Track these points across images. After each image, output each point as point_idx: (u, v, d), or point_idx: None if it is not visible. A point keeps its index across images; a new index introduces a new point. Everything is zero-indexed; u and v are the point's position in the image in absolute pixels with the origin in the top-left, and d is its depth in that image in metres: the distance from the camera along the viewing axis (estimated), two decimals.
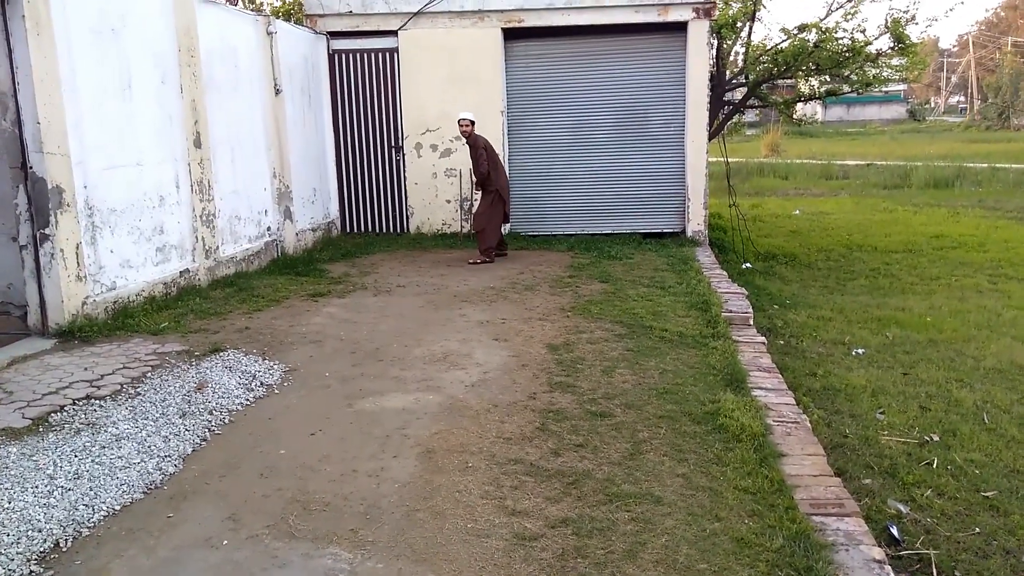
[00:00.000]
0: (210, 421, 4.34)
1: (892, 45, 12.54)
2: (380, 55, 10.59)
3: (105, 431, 4.10)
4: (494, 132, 10.25)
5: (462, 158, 10.31)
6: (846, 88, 13.53)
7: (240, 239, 8.25)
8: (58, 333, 5.77)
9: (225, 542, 3.12)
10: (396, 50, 10.49)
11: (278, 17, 11.29)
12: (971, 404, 5.75)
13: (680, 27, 10.08)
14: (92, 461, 3.77)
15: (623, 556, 2.96)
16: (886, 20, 12.42)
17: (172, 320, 6.26)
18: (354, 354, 5.56)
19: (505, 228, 9.88)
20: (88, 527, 3.25)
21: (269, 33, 8.80)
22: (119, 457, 3.83)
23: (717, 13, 10.64)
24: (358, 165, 10.88)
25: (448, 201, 10.77)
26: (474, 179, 9.31)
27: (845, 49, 12.37)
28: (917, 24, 12.43)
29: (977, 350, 7.09)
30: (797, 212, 16.89)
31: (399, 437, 4.12)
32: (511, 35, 10.40)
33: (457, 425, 4.27)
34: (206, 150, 7.53)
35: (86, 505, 3.40)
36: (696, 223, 10.43)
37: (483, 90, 10.38)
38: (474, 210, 9.67)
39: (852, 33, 12.48)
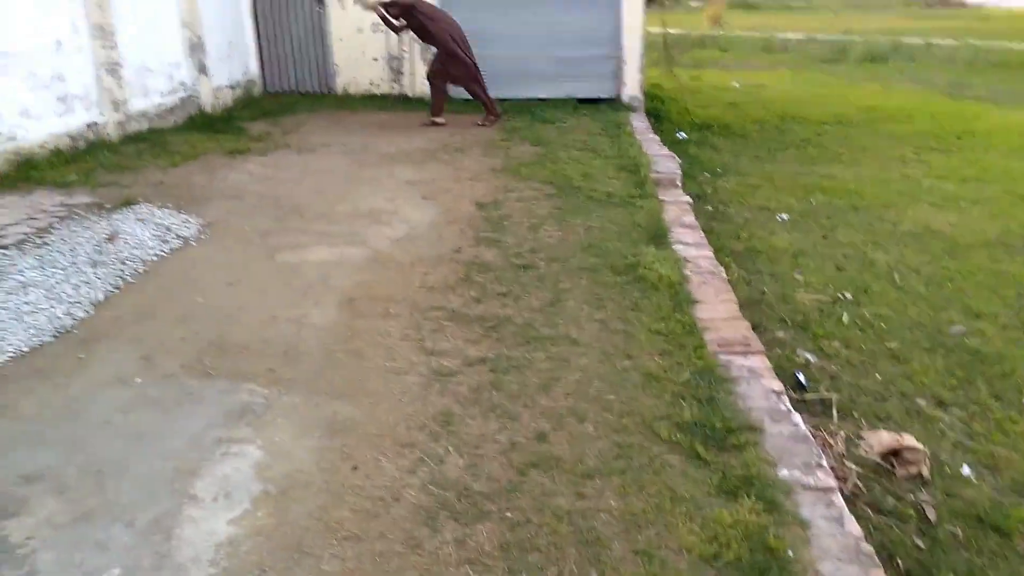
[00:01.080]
0: (122, 270, 4.20)
1: None
2: None
3: (10, 279, 3.93)
4: None
5: None
6: None
7: (151, 93, 7.75)
8: None
9: (138, 380, 3.09)
10: None
11: None
12: (884, 265, 5.98)
13: None
14: None
15: (537, 389, 3.05)
16: None
17: (81, 174, 5.93)
18: (276, 210, 5.40)
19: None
20: None
21: None
22: (25, 303, 3.69)
23: None
24: (277, 18, 10.20)
25: (375, 59, 10.26)
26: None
27: None
28: None
29: (895, 215, 7.32)
30: (735, 84, 16.79)
31: (321, 287, 4.07)
32: None
33: (381, 277, 4.24)
34: None
35: None
36: (632, 88, 10.26)
37: None
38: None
39: None
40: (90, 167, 6.15)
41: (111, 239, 4.53)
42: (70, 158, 6.29)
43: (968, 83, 16.16)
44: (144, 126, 7.52)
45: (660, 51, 12.73)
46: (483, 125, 8.73)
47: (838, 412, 3.83)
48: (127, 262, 4.29)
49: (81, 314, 3.66)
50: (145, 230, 4.75)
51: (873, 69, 18.73)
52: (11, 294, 3.76)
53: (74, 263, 4.19)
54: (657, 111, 11.90)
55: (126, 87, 7.25)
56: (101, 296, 3.87)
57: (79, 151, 6.51)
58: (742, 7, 35.24)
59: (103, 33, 6.90)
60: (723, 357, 3.36)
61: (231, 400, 2.94)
